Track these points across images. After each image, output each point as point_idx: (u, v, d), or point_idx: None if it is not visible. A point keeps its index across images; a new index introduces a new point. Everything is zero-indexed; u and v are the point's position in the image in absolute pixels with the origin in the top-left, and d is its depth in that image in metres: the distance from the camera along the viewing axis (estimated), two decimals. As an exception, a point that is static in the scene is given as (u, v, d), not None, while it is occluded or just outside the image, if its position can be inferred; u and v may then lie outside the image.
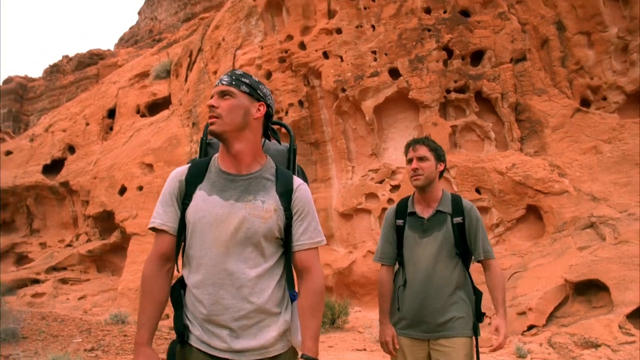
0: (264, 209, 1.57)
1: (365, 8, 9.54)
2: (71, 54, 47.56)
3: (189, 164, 1.71)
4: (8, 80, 46.93)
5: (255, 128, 1.66)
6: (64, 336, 7.83)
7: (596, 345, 4.71)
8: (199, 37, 12.19)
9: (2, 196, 13.83)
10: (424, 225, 2.51)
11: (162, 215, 1.62)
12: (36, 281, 11.79)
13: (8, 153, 14.71)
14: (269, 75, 10.16)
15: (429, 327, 2.42)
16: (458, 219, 2.49)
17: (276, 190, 1.63)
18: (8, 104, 46.77)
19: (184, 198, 1.62)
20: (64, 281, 11.75)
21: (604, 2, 8.05)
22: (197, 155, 1.88)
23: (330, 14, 9.83)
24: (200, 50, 11.83)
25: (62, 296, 11.18)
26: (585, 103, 8.30)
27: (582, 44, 8.29)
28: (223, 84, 1.61)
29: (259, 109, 1.66)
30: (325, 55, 9.68)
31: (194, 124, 11.49)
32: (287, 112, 9.91)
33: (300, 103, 9.85)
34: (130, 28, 47.79)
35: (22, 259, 13.45)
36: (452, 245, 2.47)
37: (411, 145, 2.56)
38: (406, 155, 2.59)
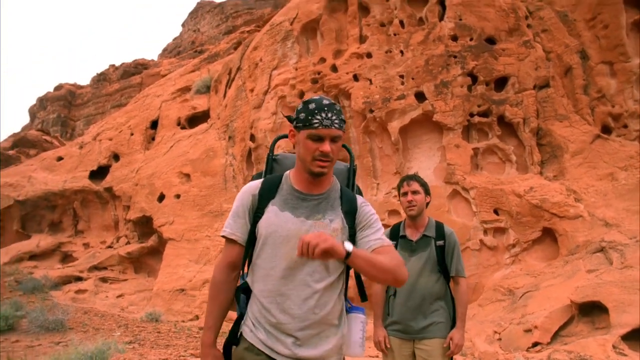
0: (331, 227, 1.70)
1: (394, 34, 10.20)
2: (117, 63, 50.37)
3: (263, 179, 1.85)
4: (58, 87, 50.10)
5: None
6: (104, 329, 8.74)
7: (589, 362, 5.12)
8: (238, 57, 13.16)
9: (52, 199, 15.15)
10: (412, 246, 3.09)
11: (232, 225, 1.77)
12: (79, 279, 12.89)
13: (59, 159, 16.09)
14: (301, 95, 10.94)
15: (414, 329, 3.00)
16: (440, 242, 3.08)
17: (342, 209, 1.76)
18: (57, 110, 49.85)
19: (256, 211, 1.75)
20: (104, 280, 12.80)
21: (627, 34, 8.42)
22: (264, 170, 2.01)
23: (362, 39, 10.55)
24: (239, 68, 12.78)
25: (102, 294, 12.20)
26: (606, 130, 8.63)
27: (605, 73, 8.65)
28: (335, 128, 1.67)
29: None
30: (355, 78, 10.38)
31: (230, 137, 12.40)
32: (317, 130, 10.63)
33: (330, 122, 10.55)
34: (174, 39, 50.21)
35: (67, 258, 14.66)
36: (435, 263, 3.04)
37: (405, 180, 3.18)
38: (400, 189, 3.19)
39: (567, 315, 6.45)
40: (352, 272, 1.82)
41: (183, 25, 49.57)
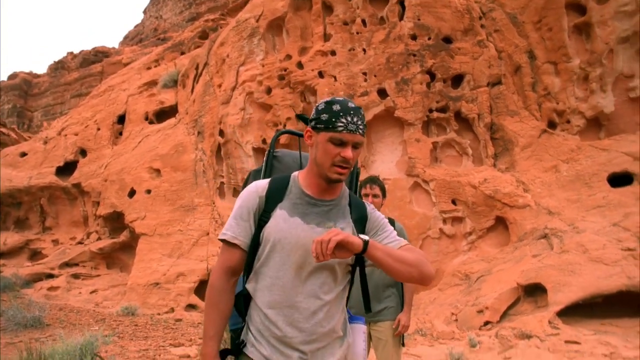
0: None
1: (357, 33, 10.71)
2: (76, 51, 48.96)
3: (269, 180, 1.72)
4: (13, 76, 48.39)
5: None
6: (82, 324, 9.04)
7: (529, 337, 5.86)
8: (205, 52, 13.38)
9: (17, 195, 15.07)
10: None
11: (235, 228, 1.65)
12: (50, 276, 13.01)
13: (23, 154, 15.96)
14: (269, 90, 11.34)
15: (369, 313, 3.38)
16: None
17: (352, 216, 1.68)
18: (12, 100, 48.19)
19: (262, 214, 1.64)
20: (76, 276, 12.97)
21: (569, 36, 9.19)
22: (264, 166, 1.93)
23: (326, 37, 11.01)
24: (206, 64, 13.03)
25: (74, 290, 12.40)
26: (552, 125, 9.44)
27: (550, 72, 9.43)
28: (360, 134, 1.60)
29: None
30: (321, 74, 10.86)
31: (199, 132, 12.69)
32: (285, 125, 11.10)
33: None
34: (135, 26, 49.11)
35: (35, 255, 14.69)
36: None
37: (369, 183, 3.50)
38: (362, 189, 3.43)
39: (514, 296, 7.23)
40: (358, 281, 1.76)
41: (145, 12, 48.51)
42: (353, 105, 1.60)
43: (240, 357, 1.63)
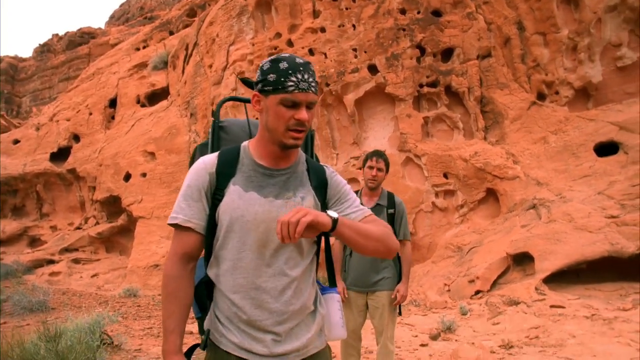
0: (304, 205, 1.51)
1: (346, 9, 10.75)
2: (61, 33, 48.34)
3: (218, 154, 1.58)
4: (-2, 61, 47.75)
5: None
6: (86, 307, 9.36)
7: (517, 303, 6.18)
8: (194, 32, 13.38)
9: (12, 183, 15.24)
10: None
11: (187, 210, 1.51)
12: (51, 261, 13.31)
13: (16, 142, 16.05)
14: (259, 70, 11.43)
15: (367, 284, 3.58)
16: (391, 210, 3.61)
17: (311, 184, 1.58)
18: None
19: (215, 192, 1.52)
20: (76, 261, 13.27)
21: (557, 6, 9.28)
22: (210, 139, 1.78)
23: (315, 14, 11.05)
24: (195, 44, 13.05)
25: (76, 274, 12.71)
26: (541, 97, 9.61)
27: (539, 43, 9.55)
28: (312, 92, 1.48)
29: None
30: (311, 52, 10.94)
31: (191, 114, 12.81)
32: (277, 105, 11.23)
33: (289, 96, 11.17)
34: (121, 5, 48.37)
35: (34, 242, 14.96)
36: None
37: (375, 156, 3.62)
38: (367, 161, 3.62)
39: (504, 266, 7.54)
40: (322, 255, 1.67)
41: (130, -11, 47.71)
42: (302, 61, 1.47)
43: (209, 348, 1.52)
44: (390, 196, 3.71)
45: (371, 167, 3.57)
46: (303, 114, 1.45)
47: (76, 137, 15.25)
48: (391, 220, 3.59)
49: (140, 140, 13.29)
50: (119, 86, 15.21)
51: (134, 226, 12.52)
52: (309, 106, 1.47)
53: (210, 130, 1.79)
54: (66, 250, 13.54)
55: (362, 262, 3.58)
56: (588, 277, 6.59)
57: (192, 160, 1.81)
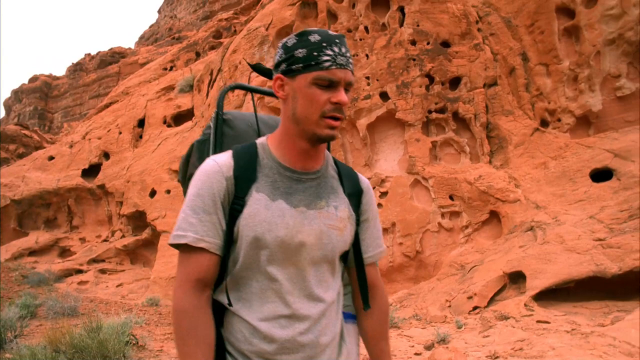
0: (338, 217, 1.31)
1: (360, 39, 11.61)
2: (93, 52, 50.91)
3: (232, 153, 1.28)
4: (33, 79, 50.56)
5: None
6: (112, 313, 10.23)
7: (507, 318, 6.74)
8: (219, 58, 14.44)
9: (47, 197, 16.45)
10: None
11: (198, 226, 1.20)
12: (80, 271, 14.32)
13: (51, 158, 17.34)
14: (278, 95, 12.34)
15: None
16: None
17: (344, 190, 1.35)
18: (34, 102, 50.39)
19: (233, 202, 1.23)
20: (102, 271, 14.25)
21: (559, 39, 9.93)
22: (213, 135, 1.51)
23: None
24: (220, 70, 14.10)
25: (102, 284, 13.67)
26: (544, 124, 10.21)
27: (542, 73, 10.19)
28: (350, 69, 1.23)
29: None
30: (326, 79, 11.80)
31: (214, 135, 13.80)
32: (293, 128, 12.10)
33: (305, 120, 12.04)
34: (150, 26, 50.73)
35: (64, 252, 16.06)
36: None
37: None
38: None
39: (501, 284, 8.09)
40: (354, 274, 1.42)
41: (159, 11, 50.11)
42: (336, 34, 1.23)
43: None
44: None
45: None
46: (342, 95, 1.20)
47: (106, 155, 16.42)
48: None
49: (165, 158, 14.31)
50: (147, 107, 16.38)
51: (157, 240, 13.45)
52: (347, 87, 1.23)
53: (211, 123, 1.50)
54: (94, 261, 14.55)
55: None
56: (577, 295, 7.10)
57: (187, 160, 1.59)
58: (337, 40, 1.21)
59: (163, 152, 14.64)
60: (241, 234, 1.23)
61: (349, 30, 11.77)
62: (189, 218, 1.22)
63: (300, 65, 1.21)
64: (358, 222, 1.39)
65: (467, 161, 10.63)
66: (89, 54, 49.55)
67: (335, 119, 1.21)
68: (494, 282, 8.12)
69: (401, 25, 11.43)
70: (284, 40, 1.27)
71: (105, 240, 15.36)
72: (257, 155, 1.30)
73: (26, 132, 33.65)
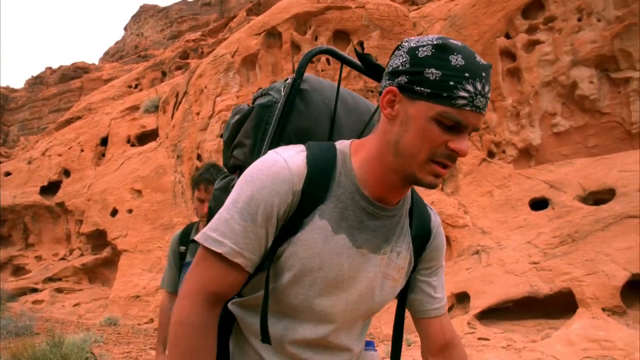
0: (397, 265, 1.10)
1: (322, 70, 12.21)
2: (55, 66, 49.80)
3: (307, 159, 1.01)
4: (-11, 91, 48.86)
5: None
6: (69, 333, 10.14)
7: (451, 335, 7.27)
8: (184, 82, 14.73)
9: (1, 213, 16.06)
10: None
11: (240, 237, 0.97)
12: (34, 290, 14.01)
13: (7, 174, 16.98)
14: (243, 120, 12.73)
15: None
16: None
17: (410, 231, 1.13)
18: (-12, 115, 48.59)
19: (291, 219, 1.00)
20: (59, 290, 14.00)
21: (503, 78, 10.80)
22: (281, 106, 1.14)
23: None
24: (185, 93, 14.37)
25: (58, 303, 13.43)
26: (491, 154, 10.99)
27: (489, 108, 11.00)
28: (483, 113, 0.97)
29: None
30: (290, 106, 12.29)
31: (178, 156, 13.97)
32: (257, 151, 12.48)
33: (268, 144, 12.45)
34: (116, 43, 50.32)
35: (18, 270, 15.66)
36: None
37: (202, 182, 2.59)
38: (194, 189, 2.67)
39: (450, 303, 8.63)
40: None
41: (125, 28, 49.81)
42: (483, 63, 0.95)
43: None
44: None
45: (201, 201, 2.60)
46: (464, 143, 0.99)
47: (67, 172, 16.25)
48: None
49: (128, 178, 14.34)
50: (111, 126, 16.38)
51: (117, 258, 13.39)
52: (471, 132, 0.99)
53: (284, 91, 1.17)
54: (50, 279, 14.28)
55: None
56: (516, 314, 7.70)
57: (241, 123, 1.22)
58: (483, 74, 0.94)
59: (126, 171, 14.67)
60: (286, 261, 1.01)
61: (312, 62, 12.35)
62: (233, 223, 0.97)
63: (428, 90, 0.93)
64: (415, 269, 1.17)
65: (422, 188, 11.25)
66: (50, 68, 48.58)
67: (444, 166, 0.99)
68: (441, 302, 8.64)
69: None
70: (413, 43, 0.97)
71: (62, 259, 15.10)
72: (334, 168, 1.03)
73: (-21, 145, 32.40)
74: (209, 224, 1.01)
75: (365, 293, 1.08)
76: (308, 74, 1.22)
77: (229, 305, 1.11)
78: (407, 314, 1.29)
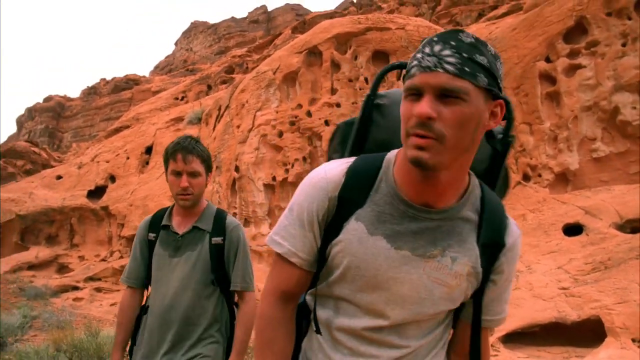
0: (453, 271, 1.06)
1: (360, 89, 12.51)
2: (109, 78, 52.62)
3: (347, 169, 1.09)
4: (48, 99, 52.13)
5: (478, 143, 1.02)
6: (104, 328, 10.67)
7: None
8: (227, 96, 15.36)
9: (51, 214, 17.06)
10: (177, 242, 2.27)
11: (295, 239, 1.11)
12: (76, 288, 14.76)
13: (59, 177, 18.06)
14: (280, 134, 13.14)
15: None
16: (217, 239, 2.27)
17: (478, 239, 1.09)
18: (46, 121, 51.74)
19: (331, 223, 1.09)
20: (98, 290, 14.69)
21: (541, 102, 10.76)
22: (358, 122, 1.23)
23: (333, 91, 12.84)
24: (227, 107, 14.99)
25: (96, 302, 14.09)
26: (526, 178, 10.90)
27: (526, 131, 10.96)
28: (449, 71, 0.91)
29: (493, 113, 1.02)
30: (326, 122, 12.62)
31: (217, 167, 14.52)
32: (292, 165, 12.82)
33: (304, 159, 12.78)
34: (166, 57, 52.69)
35: (63, 269, 16.53)
36: (208, 269, 2.23)
37: (180, 152, 2.22)
38: (168, 163, 2.28)
39: (474, 325, 8.59)
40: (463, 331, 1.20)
41: (176, 43, 52.10)
42: (448, 30, 0.98)
43: None
44: (220, 217, 2.37)
45: (177, 173, 2.26)
46: (420, 105, 0.92)
47: (112, 178, 17.13)
48: (219, 254, 2.27)
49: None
50: (156, 135, 17.21)
51: (154, 263, 13.96)
52: (444, 94, 0.92)
53: (362, 105, 1.24)
54: (90, 279, 15.01)
55: (164, 328, 2.20)
56: (542, 340, 7.59)
57: (331, 141, 1.35)
58: (435, 39, 0.94)
59: (167, 179, 15.34)
60: (335, 258, 1.11)
61: (350, 80, 12.68)
62: (291, 228, 1.14)
63: (404, 76, 1.01)
64: (487, 279, 1.12)
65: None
66: (104, 79, 51.20)
67: (419, 136, 0.94)
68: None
69: (398, 78, 12.32)
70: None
71: (103, 260, 15.86)
72: (377, 176, 1.09)
73: (35, 149, 34.51)
74: (274, 229, 1.18)
75: (410, 295, 1.07)
76: (394, 89, 1.32)
77: (306, 296, 1.25)
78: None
